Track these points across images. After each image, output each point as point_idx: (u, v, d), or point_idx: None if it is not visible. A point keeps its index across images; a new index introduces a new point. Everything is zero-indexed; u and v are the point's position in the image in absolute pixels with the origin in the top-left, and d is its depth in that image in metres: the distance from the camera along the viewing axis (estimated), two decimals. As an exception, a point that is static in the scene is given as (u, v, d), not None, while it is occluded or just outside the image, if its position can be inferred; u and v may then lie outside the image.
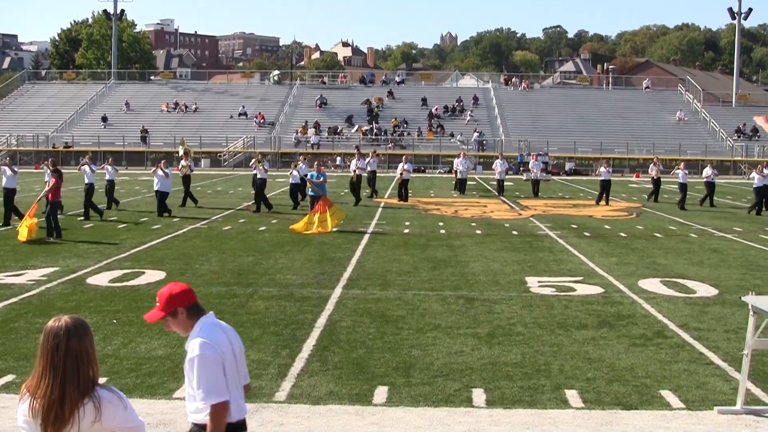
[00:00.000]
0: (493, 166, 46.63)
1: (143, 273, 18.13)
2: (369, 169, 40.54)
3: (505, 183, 44.95)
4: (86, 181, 29.33)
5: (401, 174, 38.91)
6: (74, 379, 4.32)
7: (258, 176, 32.44)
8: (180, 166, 34.84)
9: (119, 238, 24.01)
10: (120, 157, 70.37)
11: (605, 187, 38.42)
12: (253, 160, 34.41)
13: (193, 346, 5.32)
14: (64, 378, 4.31)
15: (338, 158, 63.91)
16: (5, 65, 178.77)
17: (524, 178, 46.27)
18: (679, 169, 37.79)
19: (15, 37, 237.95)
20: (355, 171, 38.21)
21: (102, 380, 4.45)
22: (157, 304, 5.42)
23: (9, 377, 10.37)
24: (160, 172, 29.98)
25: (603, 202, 38.43)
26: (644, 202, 40.12)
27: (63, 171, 25.35)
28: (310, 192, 28.22)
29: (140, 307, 14.45)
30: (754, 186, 35.61)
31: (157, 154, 70.96)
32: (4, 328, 12.93)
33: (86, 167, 29.98)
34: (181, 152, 37.36)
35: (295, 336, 12.49)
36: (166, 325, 5.45)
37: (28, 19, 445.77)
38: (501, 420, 9.03)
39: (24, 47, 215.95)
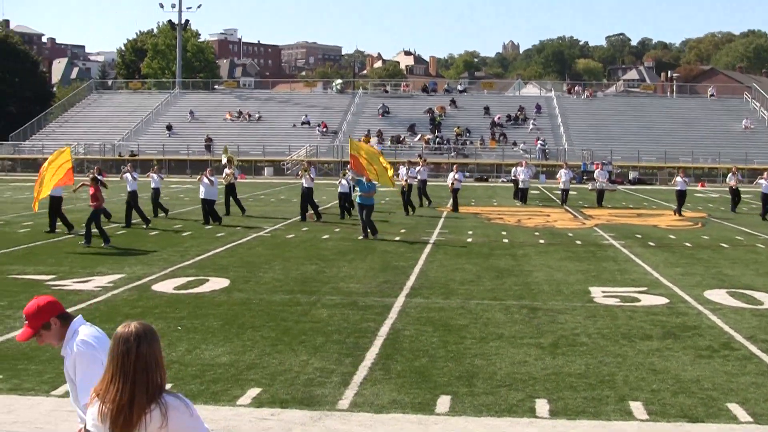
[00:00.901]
0: (558, 176, 46.08)
1: (207, 280, 18.27)
2: (419, 177, 39.98)
3: (570, 192, 44.52)
4: (128, 189, 29.66)
5: (452, 183, 38.25)
6: (143, 385, 4.37)
7: (304, 185, 32.52)
8: (224, 175, 34.93)
9: (184, 246, 24.23)
10: (184, 166, 71.20)
11: (681, 197, 37.59)
12: (299, 169, 34.63)
13: (80, 344, 5.30)
14: (134, 383, 4.36)
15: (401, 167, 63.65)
16: (73, 75, 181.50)
17: (589, 187, 45.66)
18: (762, 179, 36.62)
19: (83, 47, 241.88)
20: (405, 180, 37.55)
21: (167, 386, 4.49)
22: (26, 321, 5.41)
23: (76, 383, 10.49)
24: (205, 180, 30.03)
25: (676, 213, 37.65)
26: (727, 213, 39.37)
27: (109, 178, 25.60)
28: (357, 200, 27.44)
29: (205, 314, 14.59)
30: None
31: (220, 162, 71.66)
32: (72, 334, 13.08)
33: (128, 175, 30.32)
34: (224, 160, 37.53)
35: (358, 344, 12.51)
36: (39, 340, 5.44)
37: (96, 30, 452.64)
38: (564, 431, 8.97)
39: (91, 58, 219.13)
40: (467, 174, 71.72)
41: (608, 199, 43.88)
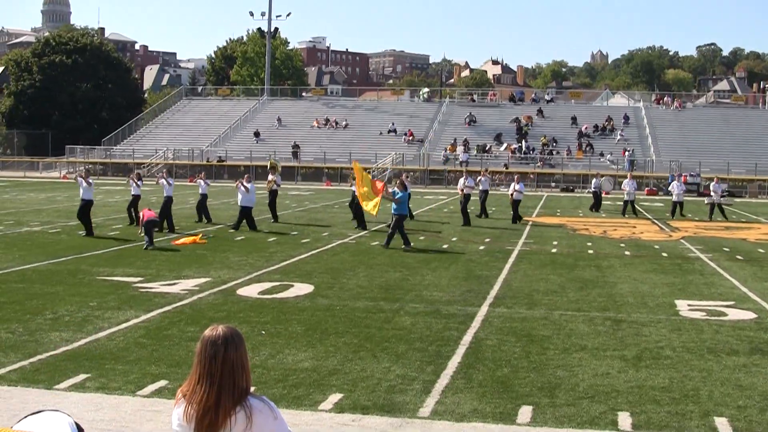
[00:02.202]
0: (623, 186, 45.06)
1: (292, 286, 18.42)
2: (481, 188, 39.20)
3: (640, 204, 44.01)
4: (165, 194, 29.98)
5: (512, 194, 36.77)
6: (229, 387, 4.44)
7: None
8: (268, 181, 35.13)
9: (269, 251, 24.48)
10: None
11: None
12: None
13: None
14: (220, 386, 4.43)
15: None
16: (164, 82, 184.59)
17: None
18: None
19: (174, 54, 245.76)
20: (462, 190, 36.16)
21: (251, 389, 4.56)
22: None
23: (162, 383, 10.68)
24: (241, 186, 30.12)
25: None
26: None
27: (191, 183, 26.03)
28: (393, 208, 26.71)
29: (288, 319, 14.72)
30: None
31: (308, 169, 72.20)
32: (158, 335, 13.33)
33: (163, 180, 30.57)
34: (269, 167, 37.78)
35: (440, 352, 12.52)
36: None
37: (187, 38, 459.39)
38: (647, 444, 8.89)
39: (182, 65, 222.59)
40: (553, 184, 71.35)
41: (694, 211, 43.19)
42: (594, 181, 45.95)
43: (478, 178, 39.68)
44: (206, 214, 33.09)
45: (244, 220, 30.00)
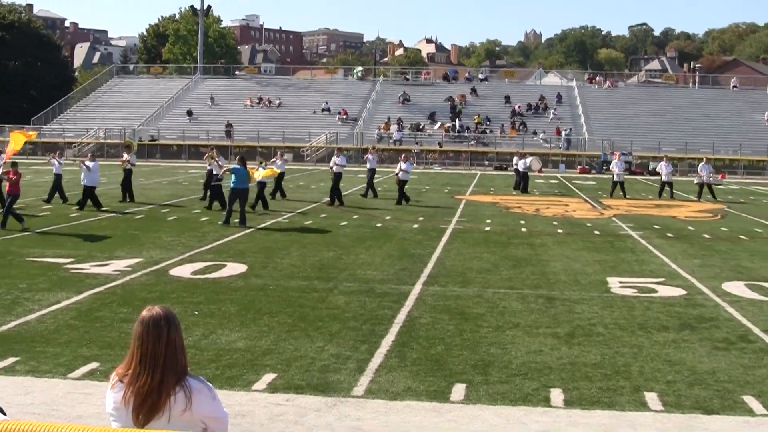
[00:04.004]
0: (611, 167, 44.46)
1: (225, 266, 18.31)
2: (368, 166, 38.06)
3: (587, 183, 44.20)
4: (54, 172, 31.96)
5: (398, 174, 34.99)
6: (173, 368, 4.40)
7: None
8: (122, 160, 34.27)
9: (202, 231, 24.30)
10: (204, 152, 71.20)
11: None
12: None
13: None
14: (164, 367, 4.38)
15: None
16: (95, 60, 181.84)
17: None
18: None
19: (105, 32, 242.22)
20: (332, 168, 34.36)
21: (185, 370, 4.52)
22: None
23: (94, 365, 10.55)
24: (83, 165, 29.45)
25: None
26: (746, 205, 39.14)
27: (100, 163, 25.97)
28: (232, 184, 25.95)
29: (221, 299, 14.64)
30: None
31: (241, 148, 71.77)
32: (90, 316, 13.17)
33: (54, 160, 32.10)
34: (124, 146, 37.39)
35: (374, 331, 12.52)
36: None
37: (118, 15, 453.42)
38: (579, 421, 8.96)
39: (113, 42, 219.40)
40: (486, 163, 71.68)
41: (627, 189, 43.56)
42: (522, 161, 44.69)
43: (366, 155, 39.06)
44: (61, 193, 31.77)
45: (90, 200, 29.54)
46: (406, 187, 35.37)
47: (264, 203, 30.50)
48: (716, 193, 42.24)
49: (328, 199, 33.48)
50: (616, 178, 42.51)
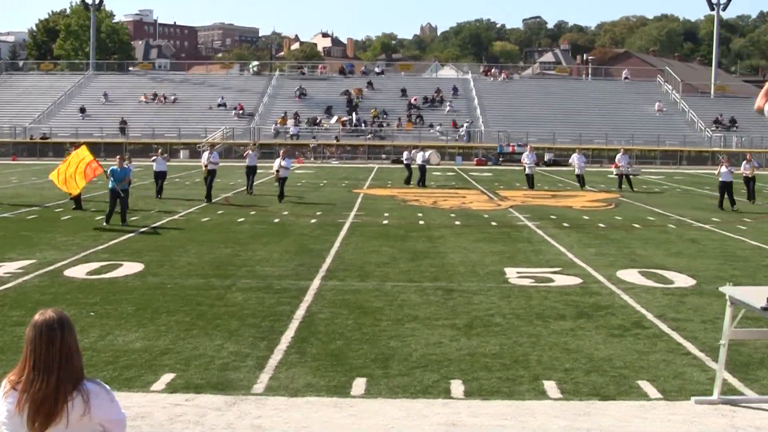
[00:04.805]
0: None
1: (121, 265, 18.03)
2: (248, 163, 37.21)
3: (484, 175, 44.57)
4: None
5: (277, 171, 34.19)
6: (68, 373, 4.29)
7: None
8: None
9: (97, 230, 23.89)
10: (99, 149, 70.08)
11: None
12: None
13: None
14: (59, 371, 4.27)
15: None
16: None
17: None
18: (723, 166, 34.37)
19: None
20: (206, 166, 33.26)
21: (80, 373, 4.42)
22: None
23: (-15, 370, 10.30)
24: None
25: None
26: (636, 194, 39.93)
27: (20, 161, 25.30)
28: (110, 185, 25.32)
29: (118, 299, 14.41)
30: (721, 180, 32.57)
31: (136, 145, 70.75)
32: (-20, 321, 12.84)
33: None
34: None
35: (273, 328, 12.46)
36: None
37: (6, 9, 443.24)
38: (479, 411, 9.02)
39: (1, 38, 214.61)
40: (384, 156, 71.87)
41: (523, 180, 44.03)
42: (420, 154, 44.34)
43: (246, 152, 37.84)
44: None
45: None
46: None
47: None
48: (633, 183, 42.96)
49: (206, 197, 32.54)
50: (528, 171, 42.77)
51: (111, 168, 25.82)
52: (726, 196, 32.29)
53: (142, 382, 9.88)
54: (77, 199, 29.00)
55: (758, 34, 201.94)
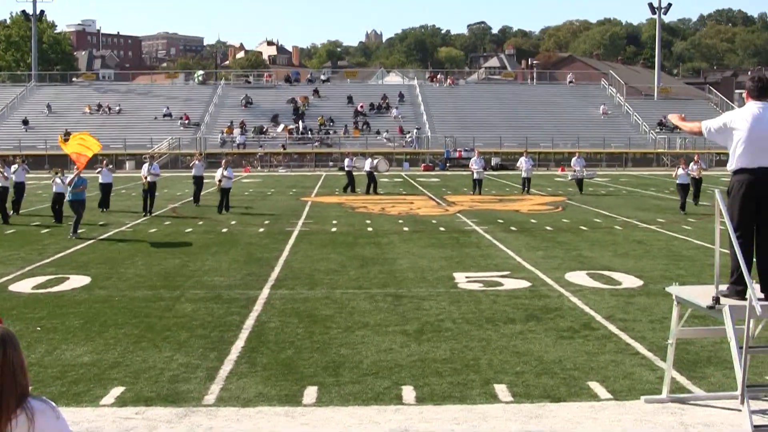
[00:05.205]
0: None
1: (67, 278, 17.84)
2: (194, 173, 36.01)
3: (431, 180, 44.66)
4: None
5: (220, 181, 33.11)
6: (12, 390, 4.22)
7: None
8: None
9: (42, 244, 23.63)
10: (43, 161, 69.38)
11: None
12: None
13: None
14: (3, 390, 4.21)
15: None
16: None
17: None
18: (680, 168, 34.49)
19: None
20: (146, 177, 32.01)
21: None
22: None
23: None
24: None
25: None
26: (584, 197, 40.26)
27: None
28: (68, 197, 25.23)
29: (65, 313, 14.25)
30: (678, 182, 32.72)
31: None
32: (-76, 338, 12.62)
33: None
34: None
35: (223, 338, 12.39)
36: None
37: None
38: (431, 417, 9.03)
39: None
40: (331, 163, 71.86)
41: (470, 185, 44.21)
42: (368, 161, 44.45)
43: (192, 162, 37.41)
44: None
45: None
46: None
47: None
48: (583, 187, 43.01)
49: (144, 209, 31.90)
50: (476, 176, 42.67)
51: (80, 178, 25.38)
52: (689, 197, 32.81)
53: (91, 396, 9.77)
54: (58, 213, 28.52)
55: (699, 36, 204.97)
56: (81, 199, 25.19)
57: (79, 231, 24.98)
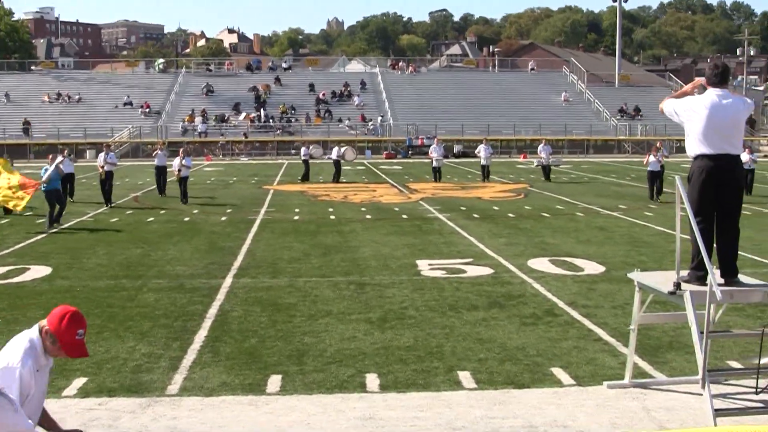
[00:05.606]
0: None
1: (28, 269, 17.69)
2: (157, 163, 35.21)
3: (394, 168, 44.70)
4: None
5: (178, 171, 32.53)
6: None
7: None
8: None
9: (1, 234, 23.42)
10: (2, 150, 68.71)
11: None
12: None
13: None
14: None
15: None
16: None
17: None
18: (651, 154, 33.90)
19: None
20: (102, 167, 31.31)
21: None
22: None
23: None
24: None
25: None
26: (547, 183, 40.39)
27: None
28: (43, 188, 24.61)
29: (26, 304, 14.14)
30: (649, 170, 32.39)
31: (41, 146, 69.51)
32: None
33: None
34: None
35: (186, 327, 12.34)
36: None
37: None
38: (395, 404, 9.04)
39: None
40: (293, 152, 71.72)
41: (449, 173, 44.29)
42: (335, 149, 44.06)
43: (155, 151, 36.96)
44: None
45: None
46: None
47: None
48: (549, 174, 43.11)
49: (105, 201, 31.27)
50: (435, 164, 42.68)
51: (45, 168, 25.38)
52: (655, 185, 32.13)
53: (54, 387, 9.68)
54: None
55: (659, 24, 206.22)
56: (55, 188, 25.02)
57: (38, 221, 24.76)
